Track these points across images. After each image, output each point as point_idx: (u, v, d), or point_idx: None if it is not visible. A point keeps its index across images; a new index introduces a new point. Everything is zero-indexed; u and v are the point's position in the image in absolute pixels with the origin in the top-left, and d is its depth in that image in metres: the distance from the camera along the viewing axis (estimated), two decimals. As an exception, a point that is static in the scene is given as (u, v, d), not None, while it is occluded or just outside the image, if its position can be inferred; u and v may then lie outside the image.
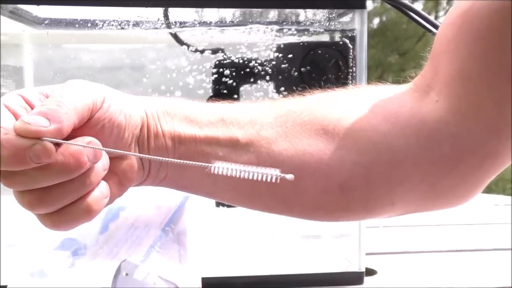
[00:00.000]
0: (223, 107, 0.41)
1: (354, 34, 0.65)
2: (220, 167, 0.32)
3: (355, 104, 0.40)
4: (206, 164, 0.33)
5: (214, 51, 0.66)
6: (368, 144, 0.38)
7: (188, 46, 0.66)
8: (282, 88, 0.65)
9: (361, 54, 0.65)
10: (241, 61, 0.65)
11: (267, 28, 0.66)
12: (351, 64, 0.65)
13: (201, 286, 0.40)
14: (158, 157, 0.35)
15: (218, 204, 0.68)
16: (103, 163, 0.35)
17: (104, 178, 0.36)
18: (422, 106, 0.39)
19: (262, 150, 0.39)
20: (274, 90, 0.65)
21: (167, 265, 0.40)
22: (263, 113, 0.40)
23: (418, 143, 0.38)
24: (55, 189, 0.33)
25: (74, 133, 0.34)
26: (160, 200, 0.44)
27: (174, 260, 0.41)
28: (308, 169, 0.38)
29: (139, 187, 0.42)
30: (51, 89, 0.36)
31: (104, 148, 0.34)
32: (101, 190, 0.35)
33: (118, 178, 0.38)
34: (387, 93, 0.42)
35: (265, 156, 0.38)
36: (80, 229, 0.38)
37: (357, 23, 0.64)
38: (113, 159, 0.38)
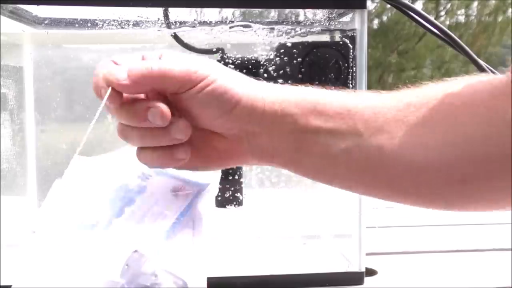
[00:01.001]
0: (348, 96, 0.41)
1: (354, 34, 0.65)
2: None
3: (466, 99, 0.39)
4: None
5: (214, 51, 0.66)
6: (485, 139, 0.38)
7: (188, 46, 0.66)
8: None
9: (361, 54, 0.65)
10: (241, 61, 0.65)
11: (267, 28, 0.66)
12: (351, 64, 0.65)
13: (206, 285, 0.40)
14: None
15: (218, 205, 0.68)
16: (176, 129, 0.38)
17: (204, 146, 0.41)
18: None
19: (384, 143, 0.39)
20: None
21: (178, 257, 0.40)
22: (385, 106, 0.40)
23: None
24: (128, 128, 0.39)
25: (173, 100, 0.39)
26: (178, 184, 0.43)
27: (186, 251, 0.41)
28: (429, 163, 0.38)
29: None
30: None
31: None
32: (176, 150, 0.39)
33: (218, 152, 0.41)
34: (491, 83, 0.41)
35: (387, 148, 0.39)
36: (96, 209, 0.39)
37: (357, 23, 0.64)
38: (216, 134, 0.40)
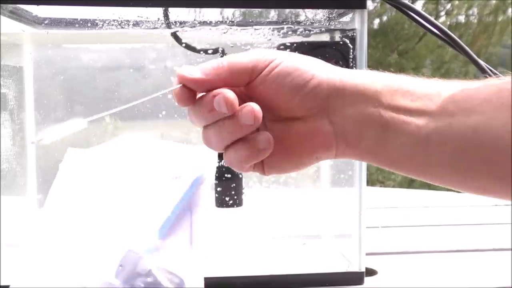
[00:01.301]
0: (432, 81, 0.39)
1: (354, 34, 0.65)
2: None
3: None
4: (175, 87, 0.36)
5: (214, 51, 0.66)
6: None
7: (188, 46, 0.66)
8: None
9: (361, 54, 0.65)
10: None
11: (267, 28, 0.66)
12: (351, 64, 0.65)
13: (203, 285, 0.40)
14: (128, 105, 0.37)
15: (218, 205, 0.68)
16: (243, 115, 0.37)
17: (285, 138, 0.39)
18: None
19: (480, 124, 0.36)
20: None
21: (174, 255, 0.40)
22: (474, 89, 0.38)
23: None
24: (206, 130, 0.39)
25: (248, 93, 0.39)
26: (177, 172, 0.43)
27: (183, 249, 0.40)
28: None
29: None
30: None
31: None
32: (256, 140, 0.37)
33: (299, 140, 0.39)
34: None
35: (482, 130, 0.36)
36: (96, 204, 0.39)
37: (357, 23, 0.64)
38: (296, 119, 0.39)
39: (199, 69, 0.38)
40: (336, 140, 0.39)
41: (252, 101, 0.37)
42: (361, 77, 0.39)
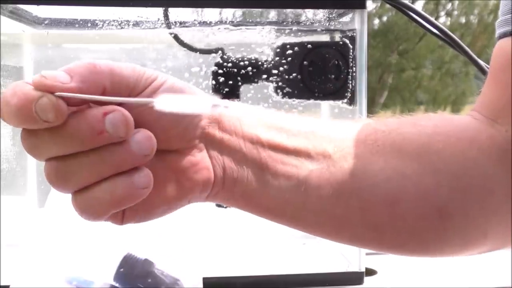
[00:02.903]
0: (311, 120, 0.39)
1: (354, 34, 0.65)
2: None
3: (437, 129, 0.38)
4: (149, 100, 0.29)
5: (214, 51, 0.66)
6: (462, 169, 0.37)
7: (188, 46, 0.66)
8: (282, 88, 0.65)
9: (361, 54, 0.65)
10: (241, 61, 0.65)
11: (267, 28, 0.66)
12: (351, 64, 0.65)
13: (201, 285, 0.40)
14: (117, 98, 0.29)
15: (218, 204, 0.68)
16: (138, 142, 0.29)
17: (159, 175, 0.31)
18: (495, 135, 0.38)
19: (357, 168, 0.36)
20: (274, 90, 0.65)
21: (172, 256, 0.40)
22: (351, 130, 0.37)
23: (505, 173, 0.37)
24: (72, 160, 0.29)
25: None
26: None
27: (183, 246, 0.40)
28: (405, 193, 0.36)
29: None
30: None
31: (95, 97, 0.29)
32: (137, 176, 0.30)
33: (176, 177, 0.33)
34: (455, 119, 0.39)
35: (360, 175, 0.36)
36: None
37: (357, 23, 0.64)
38: (172, 152, 0.33)
39: (68, 74, 0.29)
40: (214, 178, 0.35)
41: None
42: (239, 110, 0.35)
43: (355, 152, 0.36)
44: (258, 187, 0.35)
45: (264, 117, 0.36)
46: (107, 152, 0.29)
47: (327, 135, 0.37)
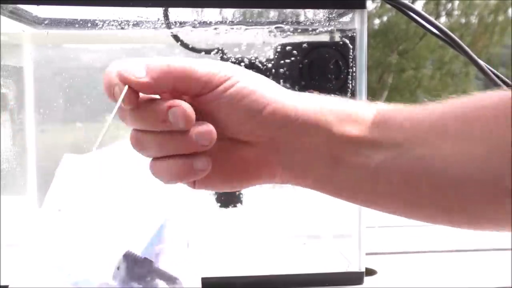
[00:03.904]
0: (382, 107, 0.39)
1: (354, 34, 0.65)
2: None
3: (498, 111, 0.37)
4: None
5: (214, 51, 0.66)
6: None
7: (188, 46, 0.66)
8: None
9: (361, 54, 0.65)
10: (241, 61, 0.65)
11: (267, 28, 0.66)
12: (351, 64, 0.65)
13: (200, 285, 0.40)
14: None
15: (221, 205, 0.68)
16: (198, 134, 0.34)
17: (228, 159, 0.37)
18: None
19: (426, 154, 0.36)
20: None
21: (171, 256, 0.39)
22: (420, 118, 0.38)
23: None
24: (145, 135, 0.35)
25: (195, 105, 0.35)
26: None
27: (182, 246, 0.40)
28: (475, 174, 0.36)
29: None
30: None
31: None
32: (197, 160, 0.35)
33: (245, 165, 0.37)
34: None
35: (429, 160, 0.36)
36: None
37: (357, 23, 0.64)
38: (243, 142, 0.37)
39: (145, 70, 0.34)
40: (282, 171, 0.38)
41: (197, 112, 0.34)
42: (314, 107, 0.37)
43: (424, 139, 0.36)
44: (329, 177, 0.37)
45: (337, 110, 0.37)
46: (171, 137, 0.34)
47: (399, 123, 0.37)
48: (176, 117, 0.34)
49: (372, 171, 0.37)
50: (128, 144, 0.39)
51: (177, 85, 0.34)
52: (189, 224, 0.43)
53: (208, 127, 0.34)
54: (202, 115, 0.35)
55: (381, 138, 0.37)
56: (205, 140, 0.34)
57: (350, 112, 0.38)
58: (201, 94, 0.35)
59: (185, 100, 0.35)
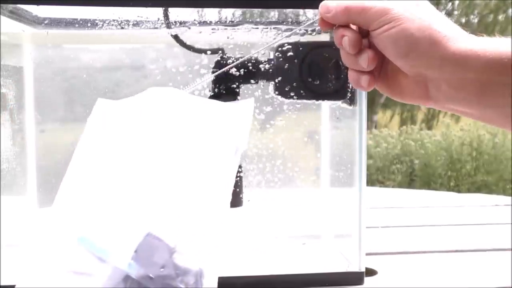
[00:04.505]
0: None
1: (354, 34, 0.65)
2: None
3: None
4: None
5: (214, 51, 0.66)
6: None
7: (188, 46, 0.66)
8: (282, 88, 0.65)
9: (361, 54, 0.65)
10: (241, 61, 0.65)
11: (267, 28, 0.66)
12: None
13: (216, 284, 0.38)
14: None
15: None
16: (362, 59, 0.45)
17: (389, 77, 0.47)
18: None
19: None
20: (274, 90, 0.65)
21: (196, 240, 0.37)
22: None
23: None
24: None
25: (370, 36, 0.45)
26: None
27: (207, 233, 0.37)
28: None
29: None
30: None
31: None
32: (361, 61, 0.46)
33: (401, 88, 0.46)
34: None
35: None
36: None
37: (357, 23, 0.64)
38: (401, 73, 0.45)
39: (333, 8, 0.45)
40: (434, 100, 0.45)
41: (370, 43, 0.45)
42: (465, 46, 0.41)
43: None
44: (476, 108, 0.42)
45: (487, 50, 0.41)
46: (347, 56, 0.47)
47: None
48: (345, 43, 0.45)
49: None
50: (163, 90, 0.38)
51: (352, 20, 0.45)
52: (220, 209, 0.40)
53: (368, 55, 0.45)
54: (373, 45, 0.45)
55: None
56: (364, 64, 0.45)
57: (501, 56, 0.40)
58: (370, 30, 0.44)
59: (360, 32, 0.45)
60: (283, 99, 0.65)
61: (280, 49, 0.65)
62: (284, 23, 0.66)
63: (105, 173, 0.37)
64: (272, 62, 0.65)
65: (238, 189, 0.68)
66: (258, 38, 0.66)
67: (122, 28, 0.63)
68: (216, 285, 0.35)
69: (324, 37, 0.68)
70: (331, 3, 0.46)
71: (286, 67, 0.64)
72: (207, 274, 0.35)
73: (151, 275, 0.33)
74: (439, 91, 0.43)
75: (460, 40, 0.42)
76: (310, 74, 0.64)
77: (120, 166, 0.37)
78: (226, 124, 0.39)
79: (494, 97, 0.41)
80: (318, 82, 0.64)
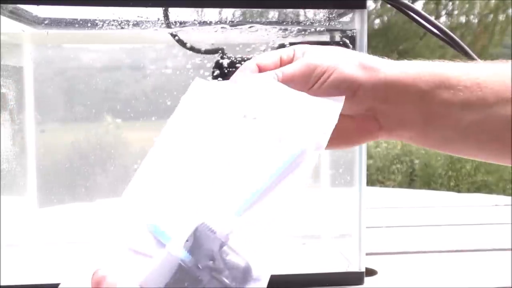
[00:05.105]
0: (476, 68, 0.41)
1: (354, 34, 0.65)
2: None
3: None
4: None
5: (214, 51, 0.66)
6: None
7: (188, 46, 0.66)
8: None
9: (361, 54, 0.65)
10: (241, 61, 0.65)
11: (267, 28, 0.66)
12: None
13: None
14: None
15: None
16: None
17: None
18: None
19: None
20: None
21: (250, 236, 0.36)
22: (507, 73, 0.40)
23: None
24: None
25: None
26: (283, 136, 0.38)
27: (263, 228, 0.37)
28: None
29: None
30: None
31: None
32: None
33: (347, 134, 0.44)
34: None
35: None
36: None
37: (357, 23, 0.64)
38: (342, 116, 0.42)
39: (280, 76, 0.41)
40: (380, 133, 0.43)
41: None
42: (404, 77, 0.41)
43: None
44: (421, 135, 0.42)
45: (432, 76, 0.40)
46: None
47: (491, 85, 0.39)
48: None
49: (462, 131, 0.40)
50: (260, 78, 0.39)
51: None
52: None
53: None
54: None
55: (473, 100, 0.39)
56: None
57: (442, 78, 0.40)
58: (310, 87, 0.41)
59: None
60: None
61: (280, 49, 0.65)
62: (284, 23, 0.66)
63: (183, 157, 0.38)
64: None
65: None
66: (258, 38, 0.66)
67: (122, 28, 0.63)
68: (265, 285, 0.35)
69: (324, 37, 0.68)
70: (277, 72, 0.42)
71: (286, 67, 0.64)
72: (257, 272, 0.34)
73: (199, 265, 0.33)
74: (388, 118, 0.42)
75: (389, 64, 0.42)
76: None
77: (197, 152, 0.38)
78: (311, 120, 0.39)
79: (439, 118, 0.40)
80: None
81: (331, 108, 0.39)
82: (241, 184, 0.37)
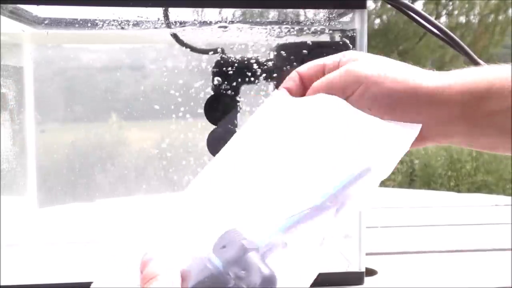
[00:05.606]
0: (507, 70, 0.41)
1: (354, 34, 0.65)
2: None
3: None
4: None
5: (214, 51, 0.66)
6: None
7: (188, 46, 0.66)
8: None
9: (361, 54, 0.65)
10: (241, 61, 0.65)
11: (267, 28, 0.66)
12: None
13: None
14: None
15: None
16: None
17: None
18: None
19: None
20: (274, 90, 0.65)
21: (297, 253, 0.37)
22: None
23: None
24: None
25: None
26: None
27: (310, 245, 0.38)
28: None
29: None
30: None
31: None
32: None
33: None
34: None
35: None
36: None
37: (357, 23, 0.64)
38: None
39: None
40: (422, 142, 0.42)
41: None
42: (447, 89, 0.40)
43: None
44: (466, 142, 0.42)
45: (472, 87, 0.39)
46: None
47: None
48: None
49: (507, 135, 0.39)
50: (332, 99, 0.39)
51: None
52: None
53: None
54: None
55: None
56: None
57: (487, 87, 0.39)
58: (348, 96, 0.41)
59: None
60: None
61: (280, 49, 0.65)
62: (284, 23, 0.66)
63: (249, 164, 0.39)
64: (272, 62, 0.65)
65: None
66: (258, 38, 0.66)
67: (122, 28, 0.63)
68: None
69: (324, 37, 0.68)
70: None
71: (286, 67, 0.64)
72: (282, 283, 0.34)
73: (221, 269, 0.33)
74: (431, 129, 0.41)
75: (430, 77, 0.41)
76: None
77: (263, 161, 0.39)
78: (381, 144, 0.39)
79: (483, 128, 0.40)
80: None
81: (404, 135, 0.39)
82: (294, 199, 0.37)
